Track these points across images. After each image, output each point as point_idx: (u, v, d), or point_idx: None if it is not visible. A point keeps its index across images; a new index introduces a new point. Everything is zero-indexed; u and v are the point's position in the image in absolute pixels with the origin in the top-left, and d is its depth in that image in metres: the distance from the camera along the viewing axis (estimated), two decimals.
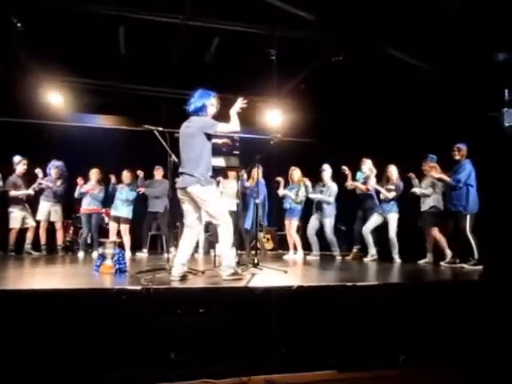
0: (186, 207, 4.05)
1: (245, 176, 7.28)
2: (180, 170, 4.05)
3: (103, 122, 9.34)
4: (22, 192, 7.27)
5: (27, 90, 7.84)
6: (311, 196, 7.33)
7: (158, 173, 7.92)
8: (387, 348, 3.50)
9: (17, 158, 7.42)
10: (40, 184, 7.35)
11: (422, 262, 6.53)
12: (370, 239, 6.90)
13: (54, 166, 7.53)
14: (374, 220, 6.90)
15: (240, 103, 4.18)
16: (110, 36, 6.73)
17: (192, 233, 4.06)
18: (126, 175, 7.66)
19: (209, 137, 4.03)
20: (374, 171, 7.14)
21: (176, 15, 6.11)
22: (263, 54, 6.87)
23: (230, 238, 4.00)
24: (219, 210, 4.00)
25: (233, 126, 4.06)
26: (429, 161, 6.50)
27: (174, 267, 3.95)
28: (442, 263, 6.21)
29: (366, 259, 6.86)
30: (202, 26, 6.27)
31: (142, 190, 7.66)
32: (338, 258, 7.18)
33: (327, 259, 7.12)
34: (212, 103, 4.13)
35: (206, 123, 4.02)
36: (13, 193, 7.22)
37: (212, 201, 3.97)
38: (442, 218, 6.37)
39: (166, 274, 4.19)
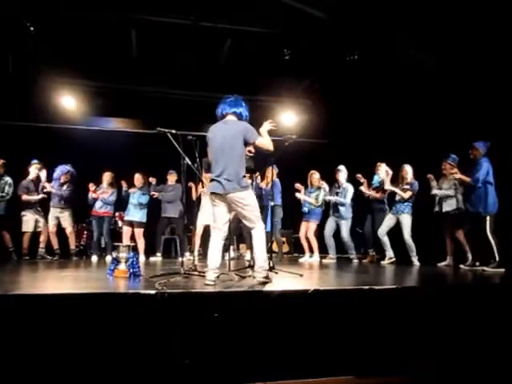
0: (219, 211, 4.00)
1: (258, 179, 7.23)
2: (216, 174, 3.95)
3: (116, 125, 9.35)
4: (33, 197, 7.30)
5: (40, 94, 7.89)
6: (327, 198, 7.25)
7: (172, 177, 7.86)
8: (406, 353, 3.39)
9: (32, 162, 7.47)
10: (44, 188, 7.37)
11: (441, 264, 6.40)
12: (386, 241, 6.77)
13: (69, 173, 7.51)
14: (388, 221, 6.77)
15: (269, 125, 4.17)
16: (123, 39, 6.73)
17: (222, 235, 4.02)
18: (137, 178, 7.60)
19: (246, 143, 4.00)
20: (390, 173, 7.01)
21: (187, 16, 6.07)
22: (277, 55, 6.82)
23: (264, 241, 4.01)
24: (257, 215, 3.99)
25: (269, 144, 4.07)
26: (450, 161, 6.36)
27: (208, 272, 3.87)
28: (462, 266, 6.06)
29: (383, 262, 6.73)
30: (214, 27, 6.23)
31: (155, 194, 7.63)
32: (355, 261, 7.08)
33: (344, 262, 7.01)
34: (248, 111, 4.15)
35: (250, 130, 3.98)
36: (25, 197, 7.27)
37: (253, 204, 3.96)
38: (464, 220, 6.23)
39: (180, 278, 4.16)
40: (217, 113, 4.13)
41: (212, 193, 3.99)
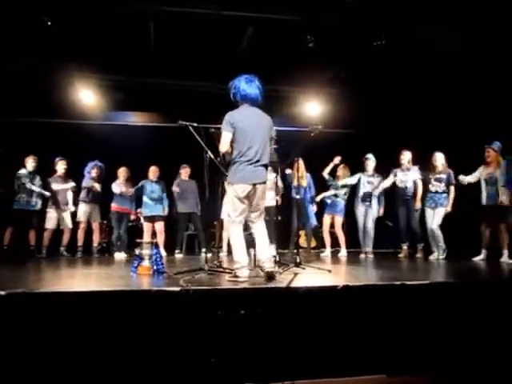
0: (242, 203, 3.82)
1: (289, 171, 7.13)
2: (252, 161, 3.73)
3: (135, 119, 9.34)
4: (65, 185, 7.33)
5: (58, 89, 7.89)
6: (368, 190, 7.04)
7: (186, 171, 7.76)
8: (439, 351, 3.23)
9: (56, 159, 7.51)
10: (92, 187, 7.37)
11: (476, 259, 6.08)
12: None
13: (98, 167, 7.50)
14: (431, 216, 6.49)
15: None
16: (141, 31, 6.63)
17: (241, 227, 3.88)
18: (153, 170, 7.52)
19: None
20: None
21: (208, 6, 5.94)
22: (300, 42, 6.62)
23: None
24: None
25: None
26: (495, 148, 6.06)
27: (241, 270, 3.74)
28: (502, 260, 5.80)
29: (431, 257, 6.43)
30: (235, 15, 6.07)
31: (176, 189, 7.55)
32: (370, 256, 6.89)
33: (378, 257, 6.86)
34: None
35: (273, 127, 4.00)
36: (55, 186, 7.30)
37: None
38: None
39: (205, 274, 4.07)
40: (252, 95, 3.86)
41: (250, 184, 3.75)
